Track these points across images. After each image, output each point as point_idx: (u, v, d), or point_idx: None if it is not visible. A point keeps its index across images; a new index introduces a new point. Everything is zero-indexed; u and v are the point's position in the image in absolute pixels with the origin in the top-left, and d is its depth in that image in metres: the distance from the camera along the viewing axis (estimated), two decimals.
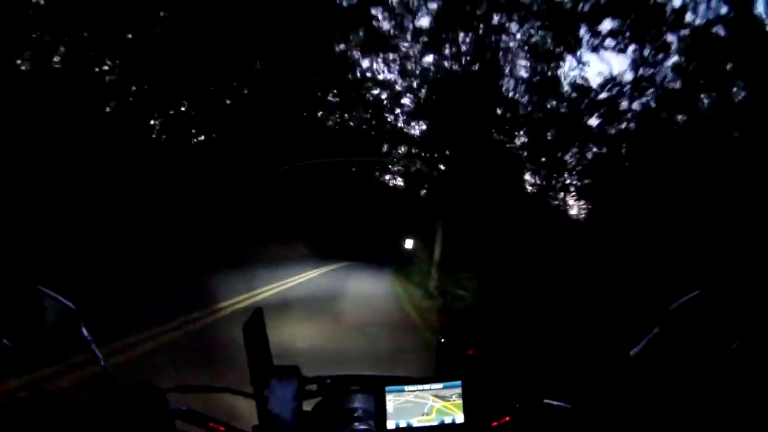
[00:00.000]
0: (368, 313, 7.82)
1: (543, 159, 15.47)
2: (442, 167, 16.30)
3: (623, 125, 14.21)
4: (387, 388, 0.90)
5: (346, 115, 20.18)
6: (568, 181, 15.90)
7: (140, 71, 12.57)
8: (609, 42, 13.76)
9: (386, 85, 17.42)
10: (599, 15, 13.46)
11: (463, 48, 14.98)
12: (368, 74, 17.47)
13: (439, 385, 0.92)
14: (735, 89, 11.30)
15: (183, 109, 15.16)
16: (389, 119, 18.51)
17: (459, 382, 0.93)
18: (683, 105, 12.29)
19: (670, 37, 12.96)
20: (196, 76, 13.56)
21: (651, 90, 13.52)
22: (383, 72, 17.12)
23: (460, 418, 0.91)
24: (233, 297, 6.86)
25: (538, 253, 9.37)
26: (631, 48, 13.68)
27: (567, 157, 15.27)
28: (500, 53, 15.03)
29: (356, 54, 16.88)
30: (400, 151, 19.11)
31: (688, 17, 12.58)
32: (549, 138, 15.27)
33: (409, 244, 19.74)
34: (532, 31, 14.47)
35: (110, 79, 12.64)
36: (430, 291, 12.28)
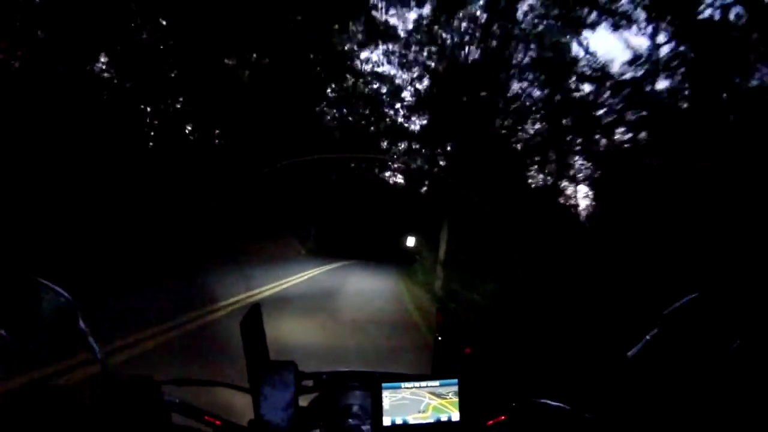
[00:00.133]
0: (374, 321, 7.00)
1: (552, 150, 14.77)
2: (443, 163, 16.07)
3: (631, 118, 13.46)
4: (383, 385, 0.91)
5: (344, 110, 19.89)
6: (578, 175, 15.25)
7: (133, 64, 12.43)
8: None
9: (386, 78, 17.21)
10: None
11: (466, 38, 14.43)
12: (368, 65, 17.21)
13: (436, 383, 0.92)
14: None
15: (178, 106, 15.04)
16: (389, 113, 18.23)
17: (456, 381, 0.93)
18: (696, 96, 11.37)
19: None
20: (192, 69, 13.42)
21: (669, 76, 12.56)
22: (383, 64, 16.91)
23: (456, 416, 0.92)
24: (232, 297, 6.83)
25: (544, 251, 9.21)
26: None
27: (577, 149, 14.62)
28: (507, 38, 13.98)
29: (355, 46, 16.63)
30: (400, 148, 18.85)
31: None
32: (559, 128, 14.44)
33: (410, 242, 19.36)
34: (542, 11, 13.34)
35: (100, 69, 12.50)
36: (436, 292, 11.75)
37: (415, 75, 16.31)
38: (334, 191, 23.11)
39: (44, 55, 10.24)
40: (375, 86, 17.93)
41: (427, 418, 0.91)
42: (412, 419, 0.90)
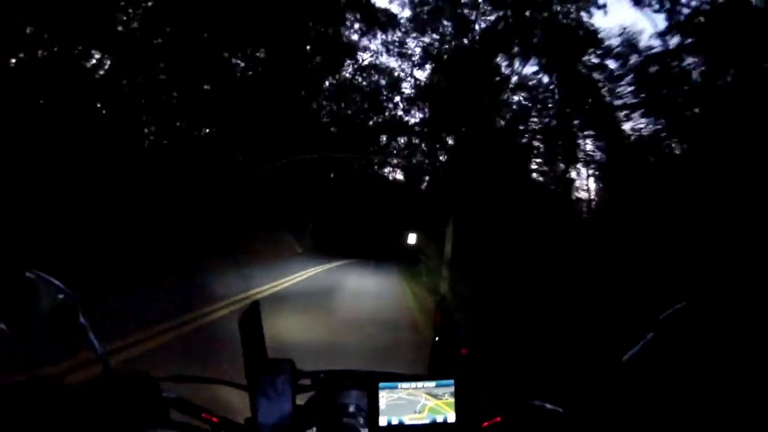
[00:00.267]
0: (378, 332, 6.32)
1: (559, 143, 14.25)
2: (443, 159, 15.74)
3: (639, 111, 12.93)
4: (380, 385, 0.91)
5: (342, 104, 19.43)
6: (587, 171, 14.83)
7: (129, 61, 12.35)
8: None
9: (384, 71, 16.93)
10: None
11: (469, 24, 13.98)
12: (367, 56, 16.89)
13: (432, 384, 0.93)
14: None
15: (173, 101, 14.89)
16: (388, 107, 17.93)
17: (452, 381, 0.93)
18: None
19: None
20: (188, 65, 13.30)
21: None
22: (381, 54, 16.67)
23: (451, 417, 0.92)
24: (231, 297, 6.81)
25: (544, 251, 9.10)
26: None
27: (582, 143, 14.19)
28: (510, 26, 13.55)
29: (354, 36, 16.33)
30: (400, 142, 18.49)
31: None
32: (566, 121, 13.96)
33: (411, 239, 18.59)
34: None
35: (93, 65, 12.40)
36: (443, 295, 11.32)
37: (415, 62, 15.85)
38: (332, 188, 22.84)
39: (36, 51, 10.21)
40: (374, 78, 17.64)
41: (423, 419, 0.91)
42: (408, 420, 0.91)
